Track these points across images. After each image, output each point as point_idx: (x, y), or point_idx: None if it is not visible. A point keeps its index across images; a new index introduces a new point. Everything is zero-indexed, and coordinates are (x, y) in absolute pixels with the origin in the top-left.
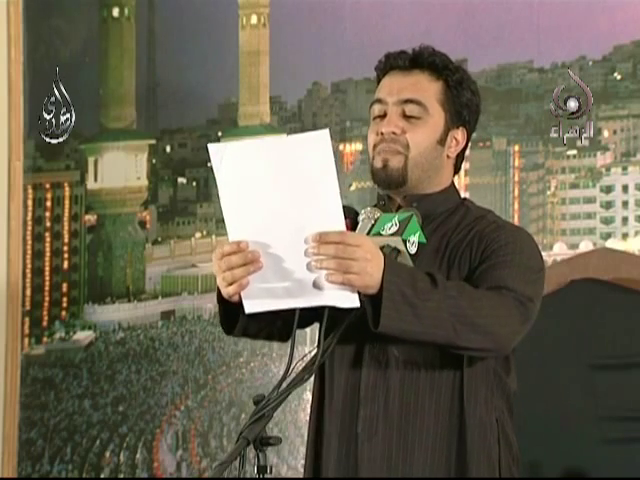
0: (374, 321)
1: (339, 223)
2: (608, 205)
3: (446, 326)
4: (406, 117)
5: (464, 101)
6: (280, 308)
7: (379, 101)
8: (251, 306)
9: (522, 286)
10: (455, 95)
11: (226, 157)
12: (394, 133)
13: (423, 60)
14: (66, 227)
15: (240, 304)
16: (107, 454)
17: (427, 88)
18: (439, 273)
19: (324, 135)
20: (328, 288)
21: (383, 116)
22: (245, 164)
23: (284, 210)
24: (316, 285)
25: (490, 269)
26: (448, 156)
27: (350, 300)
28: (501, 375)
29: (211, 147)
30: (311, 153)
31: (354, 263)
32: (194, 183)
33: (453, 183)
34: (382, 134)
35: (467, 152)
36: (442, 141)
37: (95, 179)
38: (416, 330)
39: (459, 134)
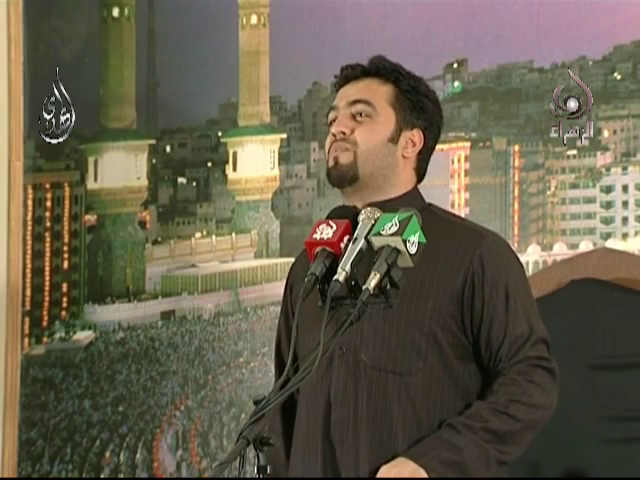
0: None
1: None
2: (608, 205)
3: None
4: (355, 118)
5: (419, 105)
6: None
7: (332, 108)
8: None
9: (537, 331)
10: (408, 98)
11: None
12: (343, 133)
13: (372, 67)
14: (66, 227)
15: None
16: (107, 454)
17: (375, 90)
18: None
19: None
20: None
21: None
22: None
23: None
24: None
25: (500, 327)
26: (404, 156)
27: None
28: (470, 387)
29: None
30: None
31: None
32: (194, 183)
33: (417, 189)
34: (334, 135)
35: (466, 154)
36: (394, 139)
37: (95, 179)
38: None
39: (415, 136)
